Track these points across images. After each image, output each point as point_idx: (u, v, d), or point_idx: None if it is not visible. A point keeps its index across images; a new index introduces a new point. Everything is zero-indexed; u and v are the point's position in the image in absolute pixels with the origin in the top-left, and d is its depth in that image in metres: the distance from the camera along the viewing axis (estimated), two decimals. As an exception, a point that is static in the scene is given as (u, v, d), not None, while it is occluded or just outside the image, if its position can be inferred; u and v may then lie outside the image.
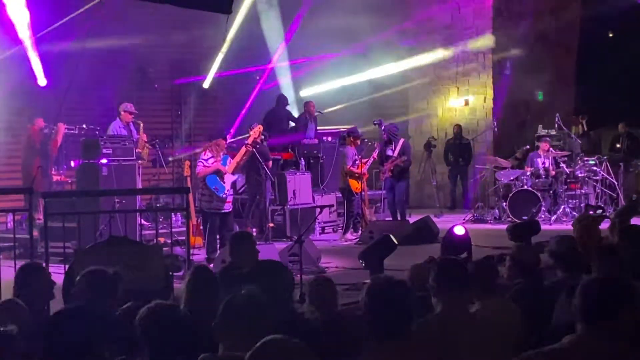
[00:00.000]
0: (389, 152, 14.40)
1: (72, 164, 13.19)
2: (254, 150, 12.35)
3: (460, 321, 3.90)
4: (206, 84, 17.31)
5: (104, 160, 11.31)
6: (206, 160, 11.24)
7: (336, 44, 18.05)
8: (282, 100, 16.51)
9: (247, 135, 12.27)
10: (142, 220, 11.77)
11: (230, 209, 11.51)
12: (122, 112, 13.04)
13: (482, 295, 4.54)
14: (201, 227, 12.25)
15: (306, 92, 18.63)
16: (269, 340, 2.92)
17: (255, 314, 3.64)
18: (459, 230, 8.82)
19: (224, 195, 11.19)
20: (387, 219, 14.92)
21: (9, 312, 4.49)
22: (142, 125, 13.18)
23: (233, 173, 11.48)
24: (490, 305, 4.42)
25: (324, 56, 18.22)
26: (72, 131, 12.90)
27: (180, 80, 17.03)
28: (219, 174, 11.20)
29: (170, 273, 7.49)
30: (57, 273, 7.10)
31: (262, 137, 13.48)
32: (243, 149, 11.94)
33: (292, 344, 2.91)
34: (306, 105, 16.38)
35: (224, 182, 11.21)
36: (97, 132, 12.62)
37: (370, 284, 3.57)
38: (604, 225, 8.40)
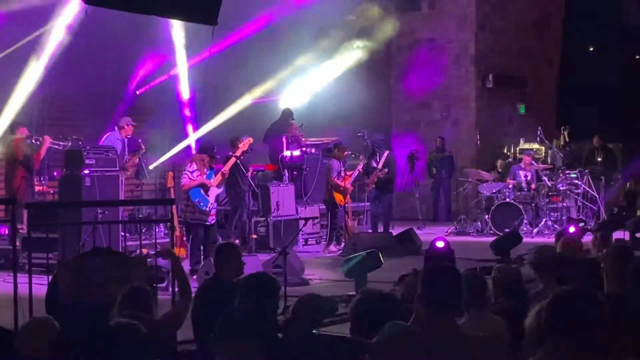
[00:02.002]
0: (373, 164, 14.44)
1: (55, 174, 13.14)
2: (239, 162, 12.39)
3: (449, 334, 3.84)
4: (185, 95, 17.29)
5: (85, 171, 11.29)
6: (191, 172, 11.24)
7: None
8: (287, 114, 16.53)
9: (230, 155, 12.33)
10: (124, 231, 11.73)
11: (214, 222, 11.49)
12: (125, 126, 13.04)
13: (472, 307, 4.52)
14: (184, 239, 12.22)
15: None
16: (393, 325, 2.98)
17: (251, 327, 3.67)
18: (439, 244, 8.84)
19: (207, 209, 11.18)
20: (369, 230, 14.94)
21: (41, 329, 4.45)
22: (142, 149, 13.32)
23: (219, 186, 11.48)
24: (479, 318, 4.40)
25: None
26: (56, 146, 12.84)
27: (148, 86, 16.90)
28: (204, 187, 11.21)
29: (154, 285, 7.45)
30: (40, 284, 7.08)
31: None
32: (232, 160, 11.97)
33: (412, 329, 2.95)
34: (291, 128, 16.33)
35: (208, 196, 11.21)
36: (80, 143, 12.55)
37: (359, 297, 3.56)
38: (586, 238, 8.48)
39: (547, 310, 3.21)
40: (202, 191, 11.18)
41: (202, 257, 11.21)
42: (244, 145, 12.22)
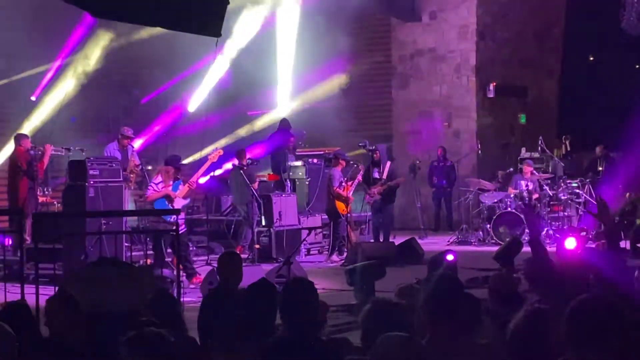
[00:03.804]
0: (376, 174, 14.46)
1: (58, 182, 13.25)
2: (242, 172, 12.49)
3: (452, 344, 3.82)
4: (192, 107, 17.36)
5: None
6: (157, 184, 11.38)
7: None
8: (284, 124, 16.59)
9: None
10: (128, 241, 11.80)
11: (184, 230, 11.52)
12: (120, 136, 13.15)
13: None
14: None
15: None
16: (388, 336, 3.08)
17: (244, 335, 3.72)
18: (450, 257, 8.86)
19: (171, 219, 11.24)
20: (371, 240, 14.95)
21: None
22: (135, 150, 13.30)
23: (185, 197, 11.57)
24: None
25: None
26: (59, 153, 12.92)
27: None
28: (168, 198, 11.32)
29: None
30: (47, 294, 7.10)
31: (249, 161, 13.64)
32: (199, 172, 12.11)
33: (409, 339, 3.07)
34: (289, 140, 16.37)
35: (173, 207, 11.29)
36: (83, 153, 12.62)
37: (370, 307, 3.59)
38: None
39: (567, 320, 3.24)
40: (166, 202, 11.27)
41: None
42: (213, 157, 12.37)
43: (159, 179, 11.40)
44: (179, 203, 11.36)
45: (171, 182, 11.41)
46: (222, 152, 12.60)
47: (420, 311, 4.03)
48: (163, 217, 11.23)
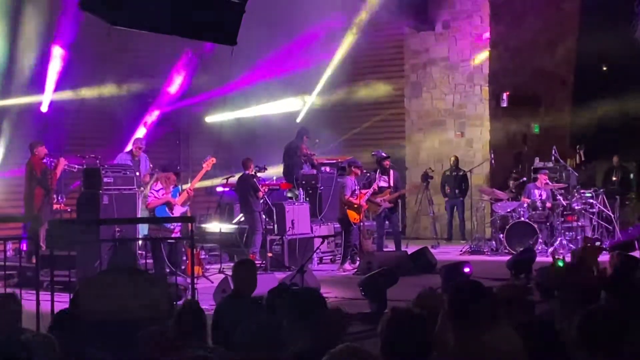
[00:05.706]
0: (383, 183, 14.47)
1: (71, 187, 13.31)
2: (255, 180, 12.55)
3: (475, 349, 3.84)
4: (209, 119, 17.43)
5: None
6: (157, 191, 11.43)
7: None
8: (302, 133, 16.62)
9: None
10: (141, 249, 11.84)
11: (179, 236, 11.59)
12: (133, 148, 13.17)
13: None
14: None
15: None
16: (345, 347, 3.12)
17: (273, 342, 3.72)
18: (467, 270, 8.86)
19: (172, 227, 11.29)
20: (386, 249, 14.93)
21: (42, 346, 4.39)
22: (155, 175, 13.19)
23: (183, 204, 11.62)
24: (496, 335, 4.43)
25: None
26: (72, 169, 13.00)
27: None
28: (169, 205, 11.36)
29: (174, 302, 7.50)
30: (61, 302, 7.13)
31: (256, 168, 13.67)
32: (196, 179, 12.19)
33: (364, 352, 3.08)
34: (300, 149, 16.40)
35: (173, 214, 11.31)
36: (97, 161, 12.68)
37: (389, 316, 3.58)
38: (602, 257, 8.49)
39: (579, 327, 3.27)
40: (167, 209, 11.31)
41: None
42: (207, 165, 12.42)
43: (159, 185, 11.45)
44: (177, 210, 11.41)
45: (171, 189, 11.47)
46: (214, 161, 12.70)
47: (443, 317, 4.05)
48: (163, 225, 11.26)
